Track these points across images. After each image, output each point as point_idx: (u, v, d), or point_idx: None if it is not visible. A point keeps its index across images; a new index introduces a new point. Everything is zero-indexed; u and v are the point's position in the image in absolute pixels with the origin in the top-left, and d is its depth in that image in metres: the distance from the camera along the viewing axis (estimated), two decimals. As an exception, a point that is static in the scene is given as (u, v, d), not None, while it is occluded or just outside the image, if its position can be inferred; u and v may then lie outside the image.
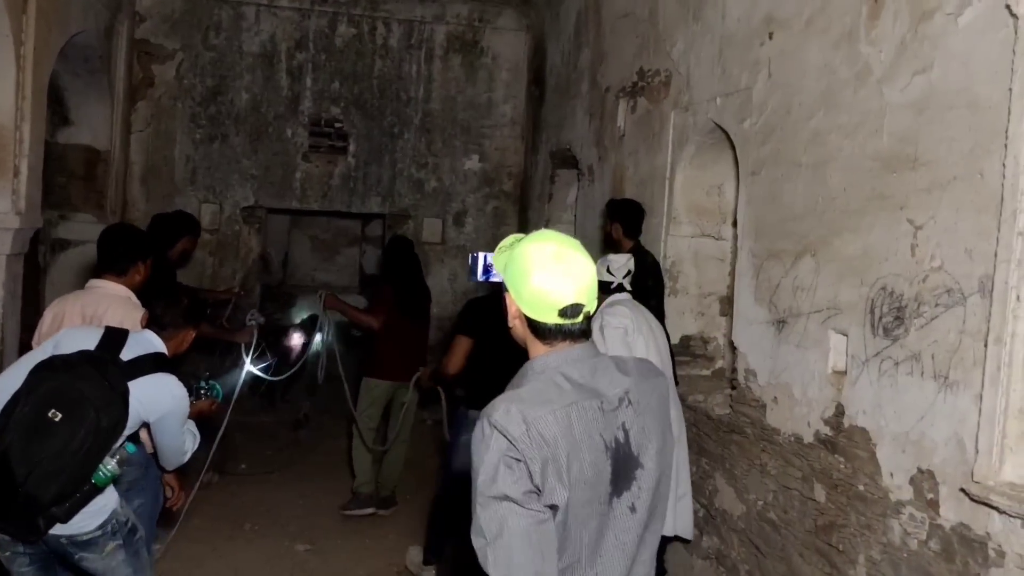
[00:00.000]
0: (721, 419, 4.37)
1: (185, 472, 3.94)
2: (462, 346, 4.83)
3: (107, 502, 3.13)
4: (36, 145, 5.26)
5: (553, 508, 1.80)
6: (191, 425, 3.43)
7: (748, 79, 4.31)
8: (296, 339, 8.22)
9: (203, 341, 6.59)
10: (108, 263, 4.02)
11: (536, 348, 1.97)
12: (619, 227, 5.32)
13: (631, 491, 1.93)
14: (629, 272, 4.36)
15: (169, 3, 8.10)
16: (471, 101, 8.69)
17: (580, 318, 1.92)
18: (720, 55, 4.63)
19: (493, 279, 2.33)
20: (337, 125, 8.42)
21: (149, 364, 3.16)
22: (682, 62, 5.12)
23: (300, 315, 8.77)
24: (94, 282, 4.05)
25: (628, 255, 4.46)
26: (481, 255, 2.33)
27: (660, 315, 5.12)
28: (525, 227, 8.51)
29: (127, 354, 3.14)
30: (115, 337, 3.20)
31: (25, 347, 4.66)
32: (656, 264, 5.26)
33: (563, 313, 1.89)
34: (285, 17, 8.31)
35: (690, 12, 5.04)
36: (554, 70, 7.93)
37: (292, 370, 6.62)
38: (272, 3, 8.27)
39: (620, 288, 4.34)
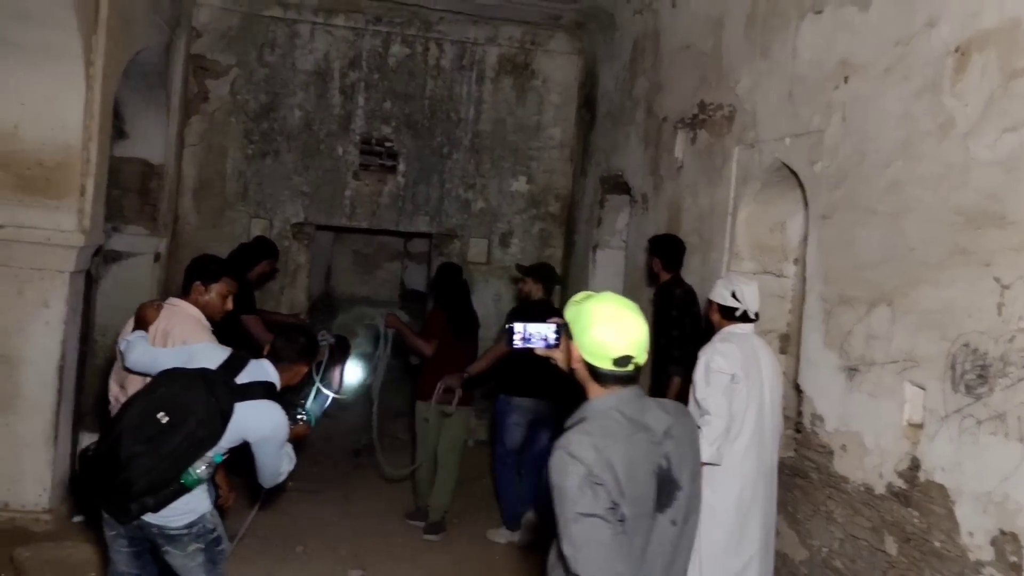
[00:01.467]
0: (784, 461, 4.34)
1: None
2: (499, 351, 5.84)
3: (196, 505, 3.41)
4: (101, 164, 5.34)
5: (621, 521, 2.17)
6: (288, 448, 3.66)
7: (820, 121, 4.29)
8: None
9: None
10: (183, 284, 4.24)
11: (594, 390, 2.34)
12: (659, 261, 5.47)
13: (672, 508, 2.31)
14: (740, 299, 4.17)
15: (226, 19, 8.20)
16: (521, 123, 8.72)
17: (630, 367, 2.30)
18: (790, 95, 4.62)
19: (531, 345, 2.46)
20: (388, 144, 8.48)
21: (259, 390, 3.44)
22: (747, 99, 5.11)
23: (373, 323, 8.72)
24: (172, 301, 4.21)
25: (754, 282, 4.25)
26: (518, 328, 2.41)
27: (682, 348, 5.12)
28: (571, 250, 8.51)
29: (243, 378, 3.44)
30: (237, 361, 3.52)
31: (81, 358, 4.73)
32: (687, 297, 5.31)
33: (616, 362, 2.28)
34: (340, 36, 8.38)
35: (757, 49, 5.03)
36: (606, 95, 7.93)
37: (355, 387, 6.65)
38: (327, 21, 8.34)
39: (745, 317, 4.13)
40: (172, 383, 3.31)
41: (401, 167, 8.50)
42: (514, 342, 2.50)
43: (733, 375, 3.96)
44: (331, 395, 6.32)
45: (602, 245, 7.83)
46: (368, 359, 6.63)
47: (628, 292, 6.73)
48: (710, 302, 4.28)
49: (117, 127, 7.49)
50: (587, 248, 8.01)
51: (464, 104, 8.61)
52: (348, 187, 8.42)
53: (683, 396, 4.46)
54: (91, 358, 6.92)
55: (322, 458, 7.54)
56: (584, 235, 8.18)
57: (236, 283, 4.29)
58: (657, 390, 5.15)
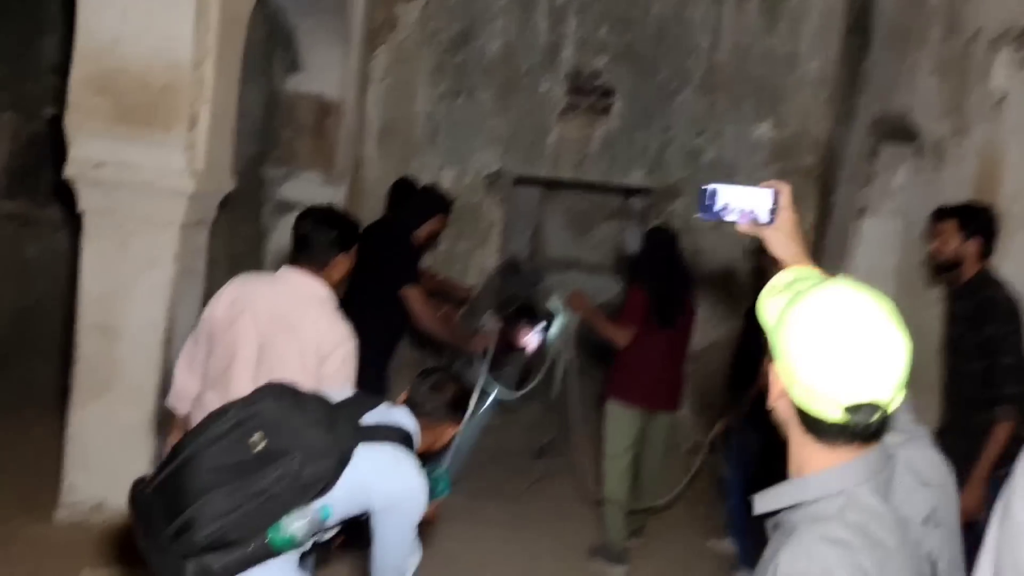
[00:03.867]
0: None
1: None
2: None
3: None
4: (225, 89, 4.29)
5: None
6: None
7: None
8: (532, 337, 7.04)
9: (428, 339, 5.54)
10: (307, 250, 3.22)
11: (811, 452, 1.49)
12: (974, 243, 3.61)
13: None
14: None
15: (420, -66, 7.03)
16: (768, 53, 6.95)
17: (875, 418, 1.42)
18: None
19: (723, 217, 1.87)
20: (601, 79, 7.01)
21: (392, 435, 2.57)
22: None
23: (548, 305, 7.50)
24: (287, 271, 3.21)
25: None
26: (718, 189, 1.88)
27: (1018, 381, 3.38)
28: (827, 215, 6.70)
29: (370, 419, 2.59)
30: (362, 399, 2.70)
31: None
32: (1011, 304, 3.51)
33: (853, 411, 1.41)
34: (549, -52, 6.98)
35: None
36: (885, 14, 6.03)
37: (533, 383, 5.38)
38: (535, -68, 6.97)
39: None
40: (281, 398, 2.40)
41: (616, 107, 7.00)
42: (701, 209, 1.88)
43: None
44: (505, 395, 5.15)
45: (871, 211, 5.98)
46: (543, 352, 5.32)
47: (905, 281, 4.96)
48: None
49: (290, 59, 6.58)
50: (849, 214, 6.18)
51: (698, 30, 6.95)
52: (551, 131, 7.05)
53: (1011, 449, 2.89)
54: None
55: (498, 465, 6.28)
56: (846, 196, 6.34)
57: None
58: (960, 439, 3.42)
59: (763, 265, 5.02)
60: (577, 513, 5.59)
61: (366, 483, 2.45)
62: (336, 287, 3.33)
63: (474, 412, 4.91)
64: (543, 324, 6.93)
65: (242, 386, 3.00)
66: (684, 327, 5.16)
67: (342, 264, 3.29)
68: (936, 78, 5.01)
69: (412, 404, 2.79)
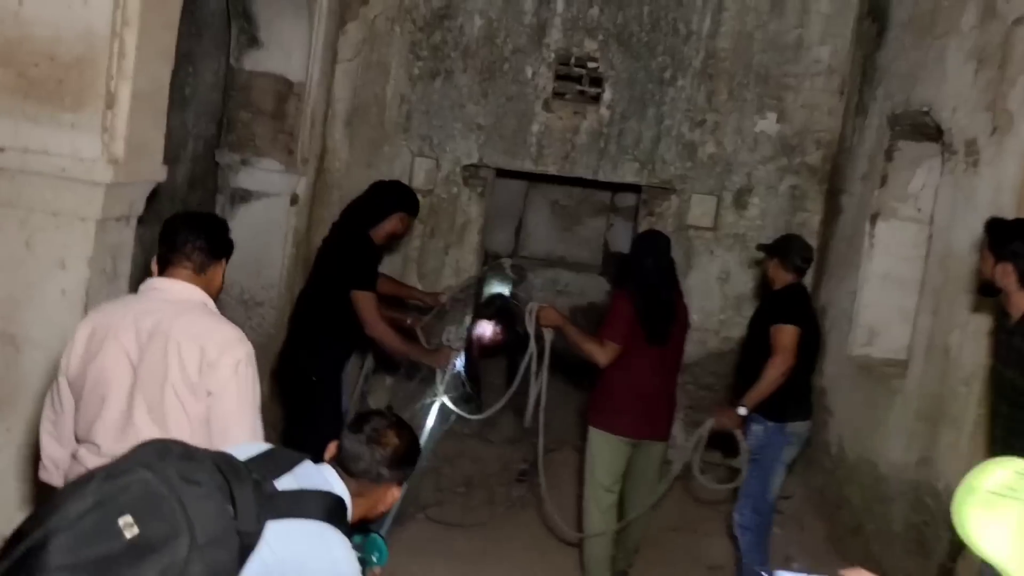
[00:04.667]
0: None
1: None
2: (792, 336, 4.22)
3: None
4: (152, 63, 3.65)
5: None
6: None
7: None
8: (486, 329, 6.44)
9: (386, 355, 4.97)
10: (176, 251, 2.75)
11: None
12: (1012, 270, 3.04)
13: None
14: None
15: (396, -101, 6.39)
16: (774, 39, 6.35)
17: None
18: None
19: None
20: (591, 65, 6.40)
21: (315, 506, 2.04)
22: None
23: (489, 289, 6.82)
24: (152, 282, 2.77)
25: None
26: None
27: None
28: (834, 217, 6.13)
29: (286, 483, 2.04)
30: (280, 457, 2.14)
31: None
32: None
33: None
34: (537, -82, 6.36)
35: None
36: (906, -4, 5.46)
37: (498, 406, 4.81)
38: (522, -100, 6.34)
39: None
40: (164, 461, 1.76)
41: (607, 96, 6.40)
42: None
43: None
44: (459, 411, 4.60)
45: (886, 214, 5.43)
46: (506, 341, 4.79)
47: (933, 298, 4.40)
48: None
49: (249, 33, 5.95)
50: (861, 217, 5.62)
51: (697, 12, 6.35)
52: (536, 120, 6.44)
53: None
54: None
55: (462, 486, 5.69)
56: (858, 198, 5.77)
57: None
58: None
59: (769, 273, 4.47)
60: (558, 548, 5.01)
61: (279, 571, 1.89)
62: (215, 299, 2.84)
63: (430, 432, 4.40)
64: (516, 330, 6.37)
65: (112, 434, 2.60)
66: (676, 343, 4.58)
67: (219, 273, 2.84)
68: (969, 68, 4.44)
69: (344, 461, 2.23)
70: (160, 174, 3.91)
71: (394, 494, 2.29)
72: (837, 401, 5.51)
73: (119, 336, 2.63)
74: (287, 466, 2.09)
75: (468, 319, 5.01)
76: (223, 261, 2.82)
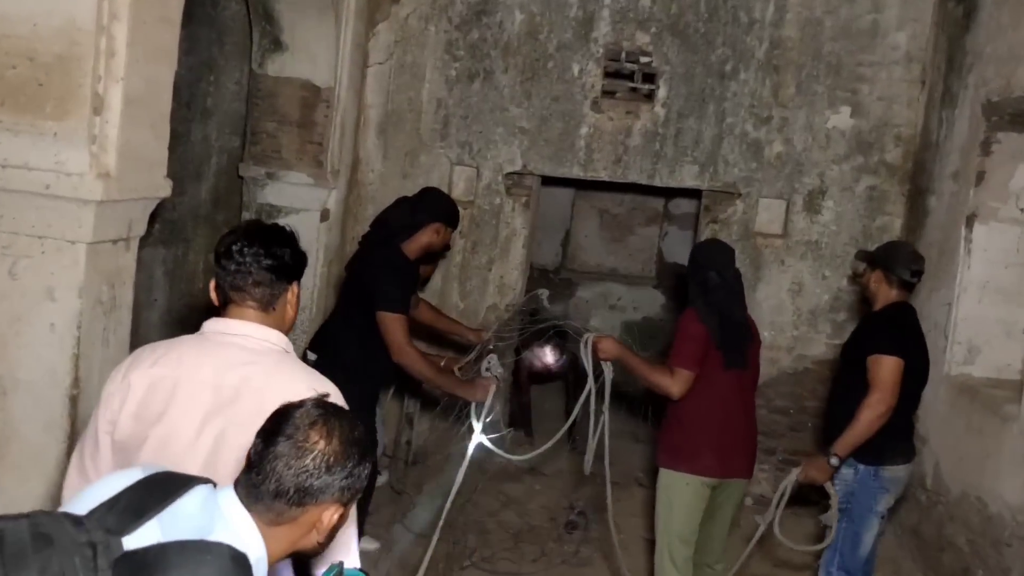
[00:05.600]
0: None
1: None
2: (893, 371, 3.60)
3: None
4: (148, 62, 3.19)
5: None
6: None
7: None
8: (544, 355, 5.91)
9: (418, 387, 4.45)
10: (237, 289, 2.21)
11: None
12: None
13: None
14: None
15: None
16: (845, 27, 5.75)
17: None
18: None
19: None
20: (643, 59, 5.85)
21: (185, 568, 1.45)
22: None
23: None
24: (223, 325, 2.22)
25: None
26: None
27: None
28: (920, 220, 5.49)
29: (145, 536, 1.50)
30: (153, 490, 1.59)
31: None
32: None
33: None
34: (581, -97, 5.84)
35: None
36: (1000, -30, 4.84)
37: (547, 446, 4.26)
38: None
39: None
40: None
41: (661, 93, 5.84)
42: None
43: None
44: (499, 451, 4.07)
45: (984, 216, 4.79)
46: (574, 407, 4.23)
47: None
48: None
49: (272, 35, 5.52)
50: (954, 219, 4.99)
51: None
52: (584, 122, 5.90)
53: None
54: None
55: (507, 539, 5.12)
56: (948, 198, 5.15)
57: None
58: None
59: (870, 287, 3.86)
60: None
61: None
62: (286, 331, 2.31)
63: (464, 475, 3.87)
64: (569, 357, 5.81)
65: None
66: (754, 364, 4.02)
67: (293, 297, 2.29)
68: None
69: (252, 481, 1.62)
70: (163, 189, 3.45)
71: (331, 517, 1.66)
72: (932, 427, 4.87)
73: (195, 395, 2.12)
74: (156, 503, 1.54)
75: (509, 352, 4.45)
76: (294, 285, 2.28)
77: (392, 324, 3.83)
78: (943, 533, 4.69)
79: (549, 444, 4.06)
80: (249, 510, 1.60)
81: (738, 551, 4.18)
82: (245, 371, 2.11)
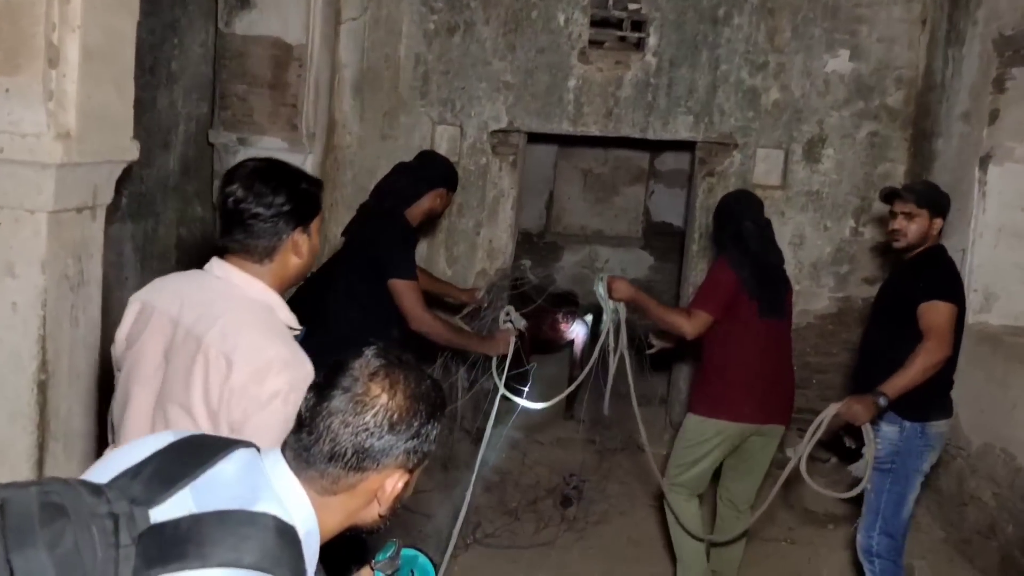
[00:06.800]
0: None
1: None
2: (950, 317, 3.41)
3: None
4: (107, 10, 2.86)
5: None
6: None
7: None
8: (576, 329, 5.72)
9: (434, 349, 4.19)
10: (237, 231, 2.03)
11: None
12: None
13: None
14: None
15: None
16: (841, -36, 5.50)
17: None
18: None
19: None
20: (632, 6, 5.56)
21: (221, 546, 1.22)
22: None
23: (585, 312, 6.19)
24: (215, 266, 2.09)
25: None
26: None
27: None
28: (927, 165, 5.28)
29: (175, 507, 1.25)
30: (186, 453, 1.35)
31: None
32: None
33: None
34: None
35: None
36: None
37: (563, 394, 4.09)
38: None
39: None
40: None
41: (652, 41, 5.56)
42: None
43: None
44: (521, 400, 3.89)
45: (999, 156, 4.60)
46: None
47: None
48: None
49: (238, -9, 5.15)
50: (965, 162, 4.79)
51: (752, -62, 5.51)
52: (572, 74, 5.61)
53: None
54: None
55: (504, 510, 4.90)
56: (958, 140, 4.93)
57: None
58: None
59: (910, 232, 3.61)
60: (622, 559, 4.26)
61: None
62: (290, 284, 2.15)
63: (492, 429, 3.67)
64: (587, 316, 5.61)
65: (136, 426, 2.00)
66: (789, 313, 3.94)
67: (298, 247, 2.06)
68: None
69: (303, 442, 1.38)
70: (130, 152, 3.12)
71: (395, 485, 1.41)
72: (948, 378, 4.69)
73: (161, 326, 2.02)
74: (189, 470, 1.30)
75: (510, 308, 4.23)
76: (299, 231, 2.03)
77: (408, 292, 3.63)
78: (964, 487, 4.52)
79: (574, 384, 3.97)
80: (299, 476, 1.37)
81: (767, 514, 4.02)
82: (202, 311, 1.96)
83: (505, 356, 3.73)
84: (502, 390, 3.64)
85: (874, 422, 3.44)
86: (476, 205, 5.74)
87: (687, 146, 6.03)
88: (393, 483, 1.41)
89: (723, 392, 3.68)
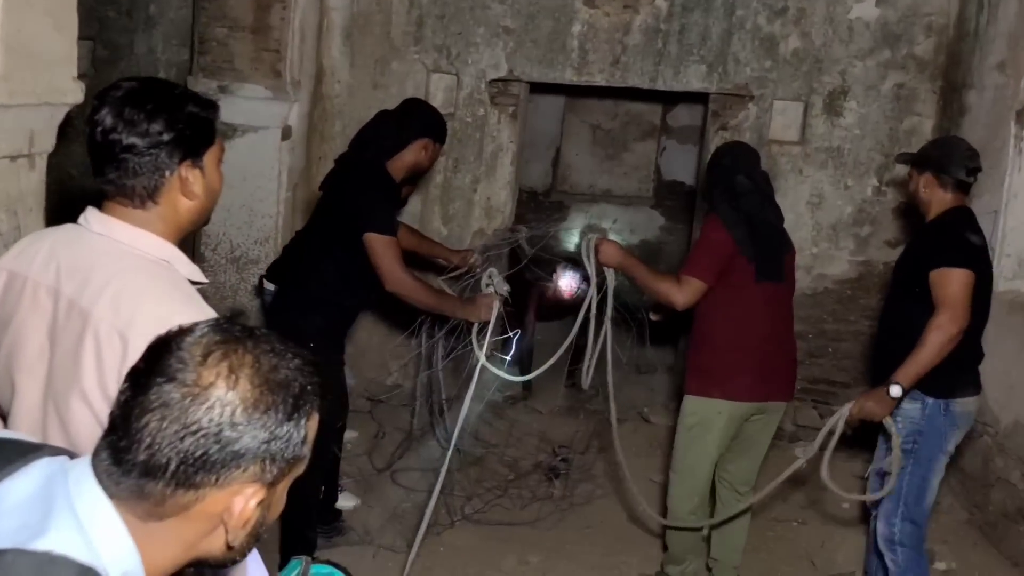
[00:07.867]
0: None
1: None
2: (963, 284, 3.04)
3: None
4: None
5: None
6: None
7: None
8: (569, 281, 5.36)
9: (414, 313, 3.86)
10: (114, 173, 1.65)
11: None
12: None
13: None
14: None
15: None
16: (869, -101, 5.07)
17: None
18: None
19: None
20: (642, -55, 5.17)
21: None
22: None
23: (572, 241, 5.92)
24: (90, 216, 1.68)
25: None
26: None
27: None
28: (957, 120, 4.89)
29: None
30: None
31: None
32: None
33: None
34: None
35: None
36: None
37: (546, 365, 3.75)
38: None
39: None
40: None
41: (663, -17, 5.18)
42: None
43: None
44: (503, 373, 3.58)
45: (1043, 112, 4.21)
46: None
47: None
48: None
49: (215, -75, 4.79)
50: (1000, 116, 4.41)
51: None
52: (577, 19, 5.22)
53: None
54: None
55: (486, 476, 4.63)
56: (993, 92, 4.54)
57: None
58: None
59: (920, 195, 3.29)
60: (611, 539, 4.00)
61: None
62: (187, 231, 1.77)
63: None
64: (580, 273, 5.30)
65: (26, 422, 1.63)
66: (790, 275, 3.59)
67: (187, 186, 1.68)
68: None
69: (117, 449, 1.03)
70: (73, 94, 2.79)
71: (247, 505, 1.06)
72: (975, 350, 4.36)
73: (40, 299, 1.62)
74: None
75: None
76: (186, 165, 1.65)
77: (383, 248, 3.33)
78: (991, 467, 4.21)
79: (557, 355, 3.55)
80: (112, 496, 1.02)
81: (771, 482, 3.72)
82: (85, 278, 1.58)
83: (487, 322, 3.41)
84: (482, 360, 3.32)
85: (892, 413, 3.13)
86: (473, 160, 5.40)
87: (700, 98, 5.65)
88: (243, 502, 1.05)
89: (717, 367, 3.35)
